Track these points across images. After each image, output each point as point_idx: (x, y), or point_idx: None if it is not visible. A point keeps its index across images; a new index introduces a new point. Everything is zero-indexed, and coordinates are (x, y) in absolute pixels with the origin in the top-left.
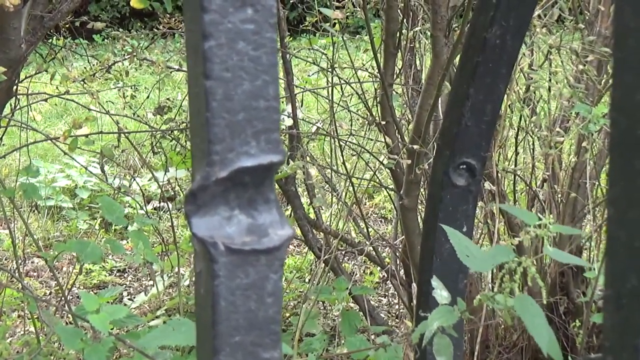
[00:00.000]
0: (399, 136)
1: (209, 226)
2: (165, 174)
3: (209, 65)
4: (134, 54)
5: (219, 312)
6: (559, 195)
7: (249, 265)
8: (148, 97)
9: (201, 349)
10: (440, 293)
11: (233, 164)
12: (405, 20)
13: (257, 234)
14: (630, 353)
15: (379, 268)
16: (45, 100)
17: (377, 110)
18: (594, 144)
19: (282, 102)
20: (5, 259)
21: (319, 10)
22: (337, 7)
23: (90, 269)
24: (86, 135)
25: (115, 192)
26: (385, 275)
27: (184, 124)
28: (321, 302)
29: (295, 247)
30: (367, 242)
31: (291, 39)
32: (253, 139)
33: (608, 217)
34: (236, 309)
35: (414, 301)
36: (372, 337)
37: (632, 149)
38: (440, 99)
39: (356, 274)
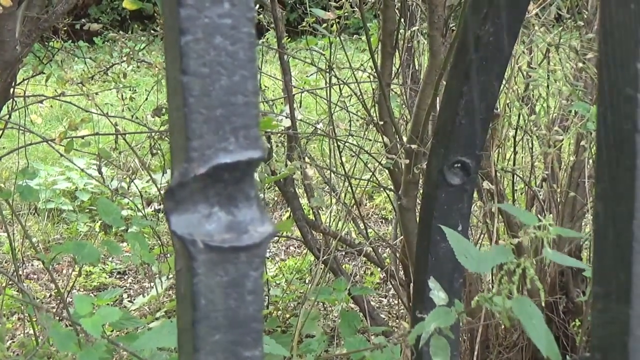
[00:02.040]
0: (397, 136)
1: (187, 224)
2: (163, 175)
3: (185, 60)
4: (131, 55)
5: (198, 311)
6: (559, 195)
7: (228, 263)
8: (147, 99)
9: (181, 347)
10: (438, 294)
11: (211, 161)
12: (402, 19)
13: (237, 231)
14: (619, 351)
15: (379, 269)
16: (41, 102)
17: (375, 110)
18: (593, 143)
19: (281, 103)
20: (6, 262)
21: (310, 11)
22: (336, 8)
23: (90, 271)
24: (82, 137)
25: (114, 194)
26: (385, 276)
27: None
28: (321, 303)
29: (295, 248)
30: (367, 243)
31: (289, 40)
32: (232, 135)
33: (595, 213)
34: (216, 307)
35: None
36: (373, 337)
37: (619, 144)
38: (438, 98)
39: (356, 275)
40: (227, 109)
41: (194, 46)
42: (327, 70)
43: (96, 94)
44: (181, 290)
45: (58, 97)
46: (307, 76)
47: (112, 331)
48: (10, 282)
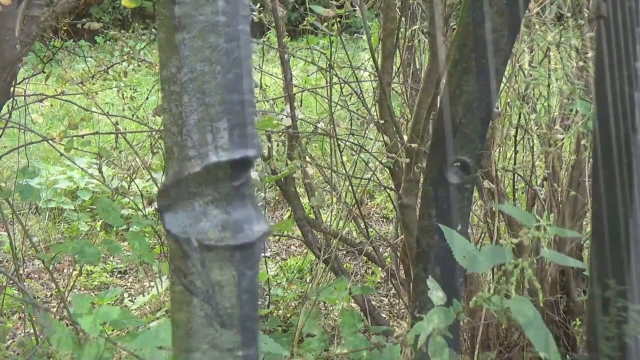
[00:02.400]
0: (398, 135)
1: (182, 222)
2: (163, 174)
3: (181, 58)
4: (132, 54)
5: (193, 310)
6: (559, 194)
7: (223, 262)
8: (147, 98)
9: (176, 347)
10: (436, 294)
11: (207, 159)
12: (403, 18)
13: (232, 230)
14: (618, 350)
15: (380, 268)
16: (41, 101)
17: (376, 109)
18: None
19: (281, 102)
20: (6, 261)
21: (309, 8)
22: (338, 7)
23: (91, 270)
24: (82, 136)
25: (114, 193)
26: (386, 275)
27: None
28: (322, 303)
29: (296, 247)
30: (367, 242)
31: (290, 39)
32: (227, 133)
33: (592, 213)
34: (211, 306)
35: None
36: (373, 337)
37: (616, 142)
38: (438, 97)
39: (357, 274)
40: (222, 106)
41: (189, 44)
42: (328, 69)
43: (97, 93)
44: (176, 289)
45: (58, 96)
46: (307, 75)
47: (112, 330)
48: (10, 282)
